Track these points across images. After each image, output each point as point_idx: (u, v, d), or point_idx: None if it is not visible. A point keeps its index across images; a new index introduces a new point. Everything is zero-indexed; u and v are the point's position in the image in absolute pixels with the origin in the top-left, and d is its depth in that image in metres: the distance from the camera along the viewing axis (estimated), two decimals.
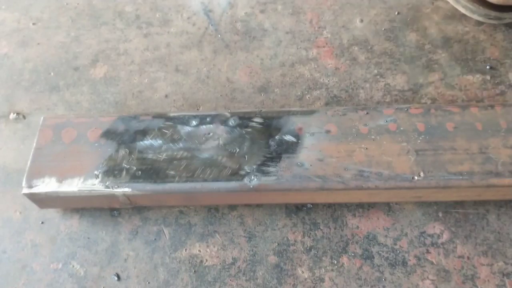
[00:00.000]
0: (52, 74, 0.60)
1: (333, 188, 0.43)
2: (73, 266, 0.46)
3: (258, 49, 0.60)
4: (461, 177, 0.43)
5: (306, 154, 0.45)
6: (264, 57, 0.59)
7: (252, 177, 0.44)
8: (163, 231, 0.47)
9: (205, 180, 0.44)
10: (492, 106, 0.46)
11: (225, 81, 0.57)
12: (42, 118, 0.49)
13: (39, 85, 0.59)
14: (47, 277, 0.45)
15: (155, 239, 0.47)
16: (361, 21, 0.62)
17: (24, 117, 0.57)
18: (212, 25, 0.63)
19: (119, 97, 0.57)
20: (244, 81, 0.57)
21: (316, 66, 0.58)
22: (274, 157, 0.45)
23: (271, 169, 0.44)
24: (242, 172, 0.44)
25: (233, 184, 0.44)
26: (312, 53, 0.59)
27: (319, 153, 0.45)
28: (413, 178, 0.43)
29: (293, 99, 0.55)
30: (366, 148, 0.45)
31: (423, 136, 0.45)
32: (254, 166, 0.44)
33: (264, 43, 0.61)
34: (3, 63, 0.62)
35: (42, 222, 0.49)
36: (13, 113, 0.57)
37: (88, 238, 0.47)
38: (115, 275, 0.45)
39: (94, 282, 0.45)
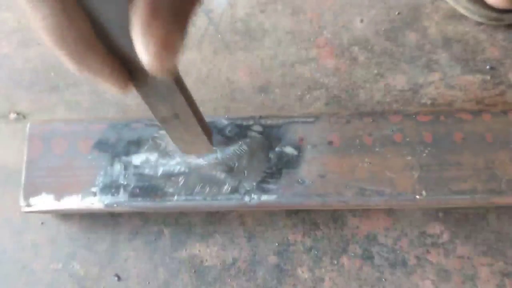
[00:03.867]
0: (52, 74, 0.60)
1: (333, 207, 0.43)
2: (73, 266, 0.46)
3: (258, 49, 0.60)
4: (463, 196, 0.41)
5: (307, 170, 0.43)
6: (264, 57, 0.59)
7: (252, 195, 0.42)
8: (163, 231, 0.47)
9: (204, 199, 0.43)
10: (505, 113, 0.44)
11: (225, 81, 0.57)
12: (28, 126, 0.47)
13: (39, 85, 0.59)
14: (47, 277, 0.45)
15: (155, 239, 0.47)
16: (361, 21, 0.62)
17: (24, 117, 0.57)
18: (212, 25, 0.63)
19: (119, 98, 0.57)
20: (244, 81, 0.57)
21: (316, 66, 0.58)
22: (274, 173, 0.43)
23: (271, 186, 0.42)
24: (242, 190, 0.43)
25: (233, 203, 0.43)
26: (312, 53, 0.59)
27: (320, 168, 0.43)
28: (414, 197, 0.42)
29: (293, 99, 0.55)
30: (370, 163, 0.43)
31: (429, 149, 0.43)
32: (254, 183, 0.43)
33: (264, 43, 0.61)
34: (3, 63, 0.62)
35: (42, 223, 0.49)
36: (13, 113, 0.57)
37: (88, 238, 0.47)
38: (115, 275, 0.45)
39: (94, 282, 0.45)
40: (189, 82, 0.58)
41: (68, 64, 0.25)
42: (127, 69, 0.26)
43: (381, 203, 0.42)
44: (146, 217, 0.48)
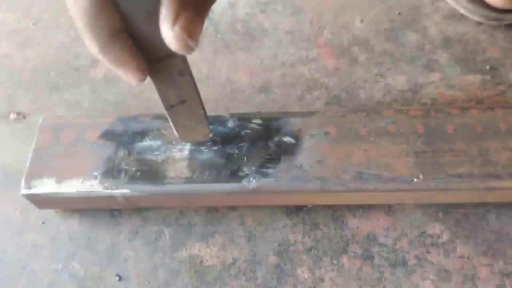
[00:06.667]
0: (52, 74, 0.60)
1: (332, 190, 0.43)
2: (73, 266, 0.46)
3: (258, 49, 0.60)
4: (460, 180, 0.42)
5: (305, 156, 0.44)
6: (264, 57, 0.59)
7: (251, 179, 0.43)
8: (163, 231, 0.47)
9: (204, 182, 0.44)
10: (492, 108, 0.46)
11: (225, 81, 0.57)
12: (41, 118, 0.49)
13: (39, 85, 0.59)
14: (47, 277, 0.45)
15: (155, 239, 0.47)
16: (361, 21, 0.62)
17: (24, 117, 0.57)
18: (212, 25, 0.63)
19: (119, 97, 0.57)
20: (244, 81, 0.57)
21: (316, 66, 0.58)
22: (273, 159, 0.44)
23: (270, 170, 0.44)
24: (241, 174, 0.44)
25: (232, 186, 0.43)
26: (312, 53, 0.59)
27: (318, 155, 0.44)
28: (412, 180, 0.42)
29: (293, 99, 0.55)
30: (366, 150, 0.44)
31: (422, 138, 0.44)
32: (253, 168, 0.44)
33: (264, 43, 0.61)
34: (3, 63, 0.62)
35: (43, 222, 0.49)
36: (13, 113, 0.57)
37: (88, 238, 0.47)
38: (115, 275, 0.45)
39: (94, 282, 0.45)
40: None
41: (98, 54, 0.28)
42: (146, 58, 0.30)
43: (379, 186, 0.42)
44: (146, 217, 0.48)
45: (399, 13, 0.62)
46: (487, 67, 0.56)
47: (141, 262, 0.46)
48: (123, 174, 0.44)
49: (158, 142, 0.46)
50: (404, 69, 0.57)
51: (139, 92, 0.57)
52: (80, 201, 0.46)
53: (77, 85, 0.59)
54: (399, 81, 0.56)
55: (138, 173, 0.44)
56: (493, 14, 0.57)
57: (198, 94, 0.38)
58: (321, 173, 0.43)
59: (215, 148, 0.45)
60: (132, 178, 0.44)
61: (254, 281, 0.44)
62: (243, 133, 0.46)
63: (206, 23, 0.63)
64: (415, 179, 0.42)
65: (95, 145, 0.46)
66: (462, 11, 0.60)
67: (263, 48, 0.60)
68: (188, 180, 0.44)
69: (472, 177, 0.42)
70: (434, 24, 0.60)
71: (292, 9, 0.64)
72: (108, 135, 0.47)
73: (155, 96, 0.57)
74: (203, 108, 0.40)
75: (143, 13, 0.27)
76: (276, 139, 0.45)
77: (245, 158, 0.45)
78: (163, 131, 0.47)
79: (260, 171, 0.44)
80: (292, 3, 0.64)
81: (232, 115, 0.47)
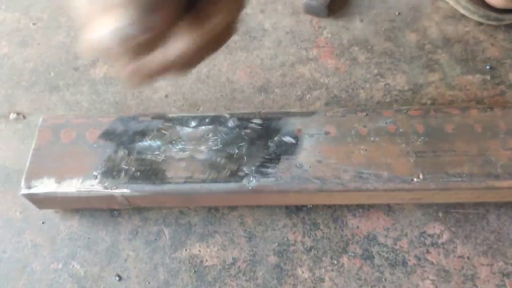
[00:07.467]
0: (52, 74, 0.60)
1: (332, 190, 0.43)
2: (73, 266, 0.46)
3: (258, 49, 0.60)
4: (460, 179, 0.42)
5: (305, 156, 0.44)
6: (264, 57, 0.59)
7: (251, 179, 0.43)
8: (163, 231, 0.47)
9: (203, 181, 0.44)
10: (491, 108, 0.46)
11: (225, 81, 0.57)
12: (41, 118, 0.49)
13: (39, 85, 0.59)
14: (47, 277, 0.45)
15: (155, 239, 0.47)
16: (361, 21, 0.62)
17: (24, 117, 0.57)
18: None
19: (119, 97, 0.57)
20: (244, 81, 0.57)
21: (316, 66, 0.58)
22: (273, 159, 0.44)
23: (270, 170, 0.44)
24: (241, 173, 0.44)
25: (232, 185, 0.44)
26: (312, 53, 0.59)
27: (318, 154, 0.44)
28: (412, 180, 0.43)
29: (293, 99, 0.55)
30: (365, 150, 0.44)
31: (422, 138, 0.45)
32: (253, 167, 0.44)
33: (264, 43, 0.61)
34: (3, 63, 0.62)
35: (43, 222, 0.49)
36: (13, 113, 0.57)
37: (88, 238, 0.47)
38: (115, 275, 0.45)
39: (94, 282, 0.45)
40: (189, 82, 0.58)
41: None
42: None
43: (379, 186, 0.43)
44: (146, 217, 0.48)
45: (399, 13, 0.62)
46: (487, 67, 0.56)
47: (141, 262, 0.46)
48: (123, 174, 0.45)
49: (158, 142, 0.46)
50: (404, 69, 0.57)
51: (139, 92, 0.57)
52: (80, 201, 0.46)
53: (77, 85, 0.59)
54: (399, 81, 0.56)
55: (138, 173, 0.44)
56: (493, 14, 0.57)
57: None
58: (320, 173, 0.43)
59: (215, 148, 0.45)
60: (132, 178, 0.44)
61: (254, 281, 0.44)
62: (243, 133, 0.46)
63: None
64: (415, 179, 0.43)
65: (95, 145, 0.47)
66: (462, 11, 0.60)
67: (263, 48, 0.60)
68: (188, 180, 0.44)
69: (472, 177, 0.42)
70: (434, 24, 0.60)
71: (292, 9, 0.64)
72: (108, 135, 0.47)
73: (155, 96, 0.57)
74: None
75: None
76: (276, 139, 0.46)
77: (245, 158, 0.45)
78: (163, 131, 0.47)
79: (260, 171, 0.44)
80: (292, 3, 0.64)
81: (232, 115, 0.47)
